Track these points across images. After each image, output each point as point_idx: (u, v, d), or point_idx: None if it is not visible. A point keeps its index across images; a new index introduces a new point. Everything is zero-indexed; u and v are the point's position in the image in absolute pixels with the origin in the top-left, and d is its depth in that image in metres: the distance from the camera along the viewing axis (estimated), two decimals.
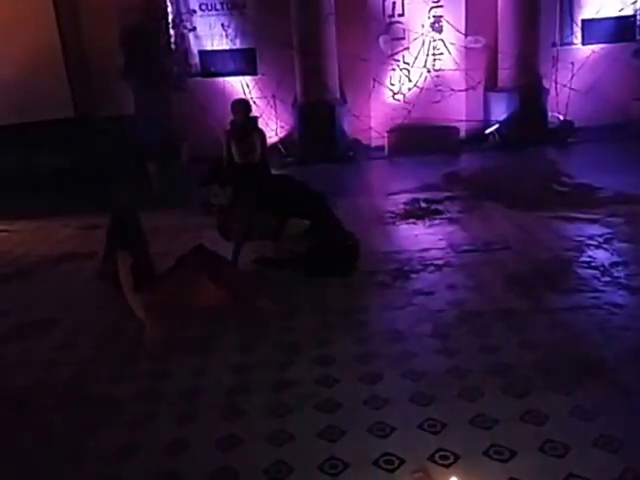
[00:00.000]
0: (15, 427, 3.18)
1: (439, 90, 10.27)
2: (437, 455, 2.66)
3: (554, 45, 10.37)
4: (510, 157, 9.48)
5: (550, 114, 10.28)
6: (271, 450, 2.80)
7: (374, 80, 10.31)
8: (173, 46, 9.96)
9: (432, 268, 4.92)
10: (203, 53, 10.32)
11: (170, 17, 9.94)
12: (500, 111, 10.19)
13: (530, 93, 9.97)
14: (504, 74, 10.13)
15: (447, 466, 2.60)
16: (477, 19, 10.10)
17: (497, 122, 10.19)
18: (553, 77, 10.36)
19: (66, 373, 3.70)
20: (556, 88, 10.40)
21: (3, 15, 8.91)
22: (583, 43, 10.41)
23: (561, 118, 10.38)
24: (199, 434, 2.98)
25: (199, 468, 2.72)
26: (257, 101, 10.02)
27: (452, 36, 10.18)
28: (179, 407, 3.23)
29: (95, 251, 5.95)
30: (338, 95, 10.03)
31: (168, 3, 9.93)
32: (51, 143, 8.90)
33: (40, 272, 5.61)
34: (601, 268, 4.66)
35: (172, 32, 9.96)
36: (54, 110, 9.23)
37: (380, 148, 10.33)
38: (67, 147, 9.12)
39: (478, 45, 10.26)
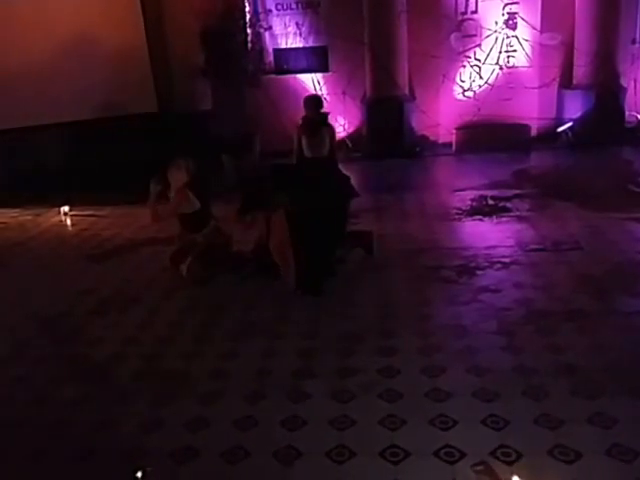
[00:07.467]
0: (96, 393, 3.38)
1: (511, 87, 10.06)
2: (499, 451, 2.65)
3: (634, 42, 9.95)
4: (584, 156, 9.19)
5: (627, 113, 9.89)
6: (334, 434, 2.85)
7: (443, 77, 10.20)
8: (250, 45, 10.16)
9: (499, 266, 4.85)
10: (277, 51, 10.51)
11: (247, 17, 10.14)
12: (574, 109, 9.89)
13: (607, 91, 9.62)
14: (580, 72, 9.80)
15: (509, 463, 2.58)
16: (553, 15, 9.82)
17: (571, 120, 9.89)
18: (632, 75, 9.94)
19: (143, 348, 3.88)
20: (635, 86, 9.99)
21: (95, 17, 9.35)
22: None
23: (639, 117, 9.99)
24: (266, 413, 3.07)
25: (266, 445, 2.81)
26: (327, 97, 10.11)
27: (526, 33, 9.94)
28: (248, 386, 3.34)
29: (173, 236, 6.18)
30: (407, 91, 9.99)
31: (246, 3, 10.13)
32: (135, 136, 9.28)
33: (124, 254, 5.88)
34: None
35: (249, 31, 10.15)
36: (139, 105, 9.67)
37: (447, 145, 10.21)
38: (150, 140, 9.46)
39: (554, 42, 9.98)
